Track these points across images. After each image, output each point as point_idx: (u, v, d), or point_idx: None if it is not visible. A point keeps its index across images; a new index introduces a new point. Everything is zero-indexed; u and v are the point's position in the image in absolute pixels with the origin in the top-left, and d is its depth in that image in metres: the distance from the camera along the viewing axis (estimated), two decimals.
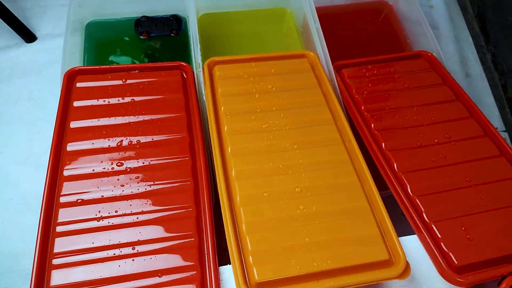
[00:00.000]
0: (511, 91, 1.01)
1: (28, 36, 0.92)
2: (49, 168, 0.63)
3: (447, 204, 0.64)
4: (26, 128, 0.89)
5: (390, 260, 0.59)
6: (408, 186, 0.66)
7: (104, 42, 0.89)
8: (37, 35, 0.95)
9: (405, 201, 0.65)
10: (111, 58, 0.88)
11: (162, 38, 0.91)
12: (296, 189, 0.64)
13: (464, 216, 0.63)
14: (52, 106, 0.91)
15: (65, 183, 0.62)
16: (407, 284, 0.60)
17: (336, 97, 0.77)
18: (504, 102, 1.03)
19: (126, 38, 0.90)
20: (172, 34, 0.89)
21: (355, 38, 1.02)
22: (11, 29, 0.92)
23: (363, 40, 1.01)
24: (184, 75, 0.79)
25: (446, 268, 0.58)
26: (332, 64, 0.83)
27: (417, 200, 0.65)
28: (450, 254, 0.59)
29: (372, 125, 0.75)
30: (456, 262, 0.58)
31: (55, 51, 0.95)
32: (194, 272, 0.56)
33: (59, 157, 0.66)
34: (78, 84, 0.74)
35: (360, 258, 0.57)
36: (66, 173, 0.63)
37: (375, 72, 0.84)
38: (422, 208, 0.64)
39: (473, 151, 0.72)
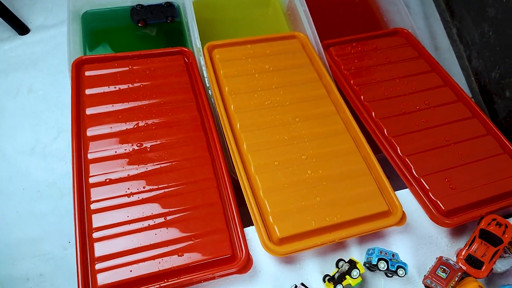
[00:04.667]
0: (475, 62, 1.12)
1: (22, 28, 0.93)
2: (74, 152, 0.67)
3: (431, 161, 0.74)
4: (29, 120, 0.90)
5: (389, 211, 0.68)
6: (398, 147, 0.76)
7: (101, 31, 0.92)
8: (29, 27, 0.96)
9: (396, 160, 0.74)
10: (110, 46, 0.91)
11: (157, 25, 0.94)
12: (303, 157, 0.72)
13: (446, 169, 0.73)
14: (52, 96, 0.94)
15: (91, 165, 0.67)
16: (404, 229, 0.70)
17: (327, 73, 0.85)
18: (469, 71, 1.15)
19: (122, 26, 0.93)
20: (168, 21, 0.93)
21: (335, 19, 1.09)
22: (2, 21, 0.92)
23: (343, 20, 1.09)
24: (186, 60, 0.84)
25: (436, 213, 0.68)
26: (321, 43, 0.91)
27: (406, 159, 0.74)
28: (438, 201, 0.69)
29: (362, 97, 0.83)
30: (443, 208, 0.68)
31: (50, 42, 0.96)
32: (223, 234, 0.62)
33: (80, 142, 0.70)
34: (87, 73, 0.77)
35: (364, 211, 0.66)
36: (90, 156, 0.68)
37: (359, 49, 0.92)
38: (411, 165, 0.73)
39: (449, 114, 0.82)
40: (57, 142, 0.88)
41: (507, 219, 0.68)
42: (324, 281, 0.64)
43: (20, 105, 0.91)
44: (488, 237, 0.66)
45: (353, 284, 0.60)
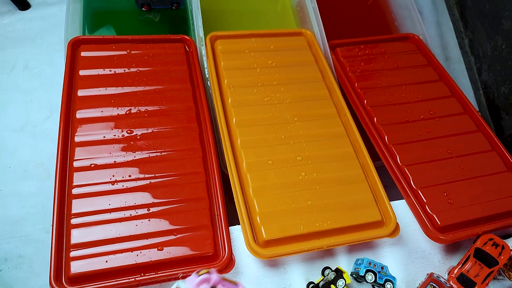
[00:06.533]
0: (485, 75, 1.09)
1: (22, 4, 0.90)
2: (60, 134, 0.65)
3: (431, 173, 0.71)
4: (22, 97, 0.88)
5: (382, 221, 0.65)
6: (398, 156, 0.73)
7: (103, 13, 0.89)
8: (30, 2, 0.93)
9: (395, 169, 0.71)
10: (110, 29, 0.88)
11: (161, 11, 0.92)
12: (298, 158, 0.69)
13: (446, 183, 0.70)
14: (48, 75, 0.91)
15: (77, 149, 0.64)
16: (396, 242, 0.67)
17: (331, 74, 0.82)
18: (478, 84, 1.11)
19: (125, 9, 0.90)
20: (173, 7, 0.90)
21: (345, 19, 1.06)
22: None
23: (353, 21, 1.06)
24: (187, 48, 0.81)
25: (431, 228, 0.65)
26: (327, 43, 0.88)
27: (405, 169, 0.71)
28: (434, 216, 0.66)
29: (365, 101, 0.80)
30: (439, 223, 0.65)
31: (50, 20, 0.94)
32: (206, 231, 0.60)
33: (68, 124, 0.67)
34: (83, 53, 0.75)
35: (356, 219, 0.64)
36: (77, 139, 0.65)
37: (367, 52, 0.89)
38: (410, 176, 0.70)
39: (454, 126, 0.79)
40: (48, 123, 0.86)
41: (504, 240, 0.65)
42: None
43: (14, 82, 0.88)
44: (483, 257, 0.63)
45: None
